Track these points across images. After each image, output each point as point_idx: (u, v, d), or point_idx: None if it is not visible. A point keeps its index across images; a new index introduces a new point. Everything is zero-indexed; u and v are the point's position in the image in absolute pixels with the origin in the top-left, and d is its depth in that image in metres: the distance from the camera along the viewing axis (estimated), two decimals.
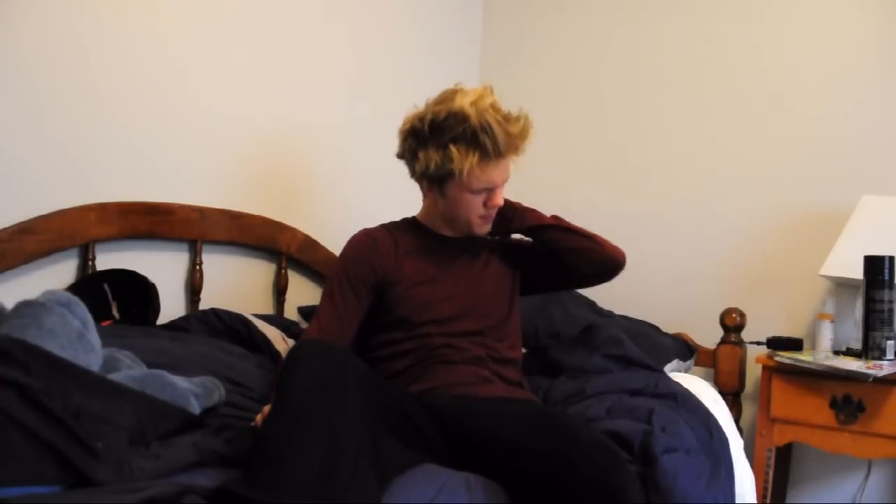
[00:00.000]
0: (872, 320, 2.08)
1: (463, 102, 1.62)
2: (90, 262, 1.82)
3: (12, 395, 1.02)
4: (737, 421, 2.24)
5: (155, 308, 1.89)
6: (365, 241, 1.76)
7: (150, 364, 1.42)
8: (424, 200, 1.82)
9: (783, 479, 2.44)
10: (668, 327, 2.48)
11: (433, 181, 1.69)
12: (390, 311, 1.70)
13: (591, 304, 2.50)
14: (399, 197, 1.97)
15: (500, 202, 1.71)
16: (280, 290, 2.30)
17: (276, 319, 2.11)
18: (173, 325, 1.89)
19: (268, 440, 1.16)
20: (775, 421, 2.18)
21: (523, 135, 1.65)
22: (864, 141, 2.42)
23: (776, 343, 2.28)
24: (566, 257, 1.78)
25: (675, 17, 2.75)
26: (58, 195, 1.78)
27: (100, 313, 1.71)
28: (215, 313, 1.94)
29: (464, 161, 1.61)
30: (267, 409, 1.33)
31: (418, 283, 1.71)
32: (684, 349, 2.42)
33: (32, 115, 1.74)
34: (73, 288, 1.75)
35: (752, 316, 2.42)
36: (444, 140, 1.62)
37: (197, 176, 2.09)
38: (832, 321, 2.28)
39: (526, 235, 1.82)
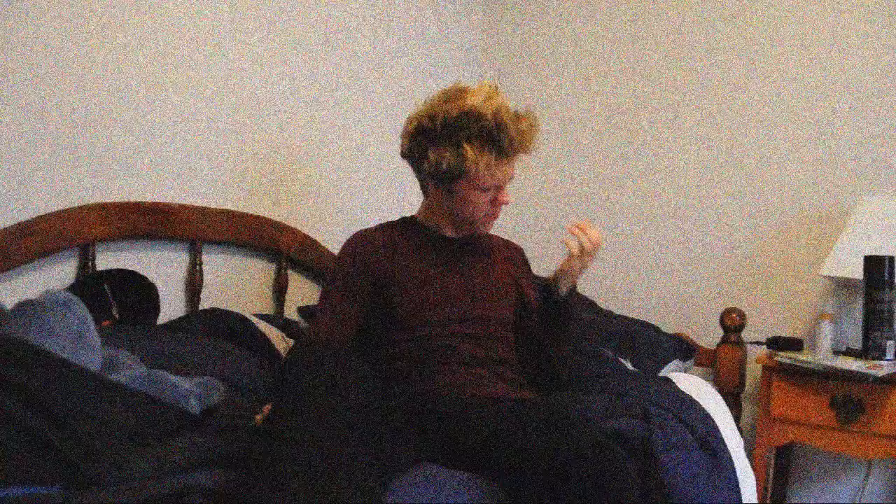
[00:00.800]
0: (872, 320, 2.08)
1: (475, 101, 1.63)
2: (90, 262, 1.82)
3: (12, 395, 1.02)
4: (737, 421, 2.23)
5: (155, 308, 1.89)
6: (362, 242, 1.76)
7: (150, 364, 1.42)
8: (426, 199, 1.82)
9: (783, 479, 2.44)
10: (668, 327, 2.49)
11: (442, 180, 1.69)
12: (389, 311, 1.70)
13: (592, 304, 2.50)
14: (399, 197, 1.97)
15: (507, 201, 1.72)
16: (280, 290, 2.30)
17: (276, 319, 2.11)
18: (173, 325, 1.89)
19: (268, 440, 1.16)
20: (775, 421, 2.18)
21: (533, 133, 1.67)
22: (864, 141, 2.42)
23: (776, 343, 2.28)
24: (543, 321, 1.78)
25: (675, 18, 2.75)
26: (58, 195, 1.78)
27: (100, 313, 1.71)
28: (215, 313, 1.94)
29: (479, 159, 1.61)
30: (267, 408, 1.33)
31: (417, 284, 1.70)
32: (684, 349, 2.42)
33: (33, 116, 1.74)
34: (73, 288, 1.75)
35: (752, 316, 2.42)
36: (458, 138, 1.62)
37: (197, 176, 2.09)
38: (832, 321, 2.28)
39: (545, 290, 1.80)
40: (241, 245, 2.21)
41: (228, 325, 1.91)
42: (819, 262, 2.28)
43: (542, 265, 2.01)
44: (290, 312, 2.31)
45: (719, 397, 2.13)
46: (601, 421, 1.64)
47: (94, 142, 1.86)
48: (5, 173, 1.70)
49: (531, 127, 1.66)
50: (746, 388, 2.44)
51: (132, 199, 1.92)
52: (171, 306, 2.00)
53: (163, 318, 1.92)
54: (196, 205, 2.06)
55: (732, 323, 2.39)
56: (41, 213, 1.74)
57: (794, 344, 2.27)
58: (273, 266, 2.31)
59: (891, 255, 2.08)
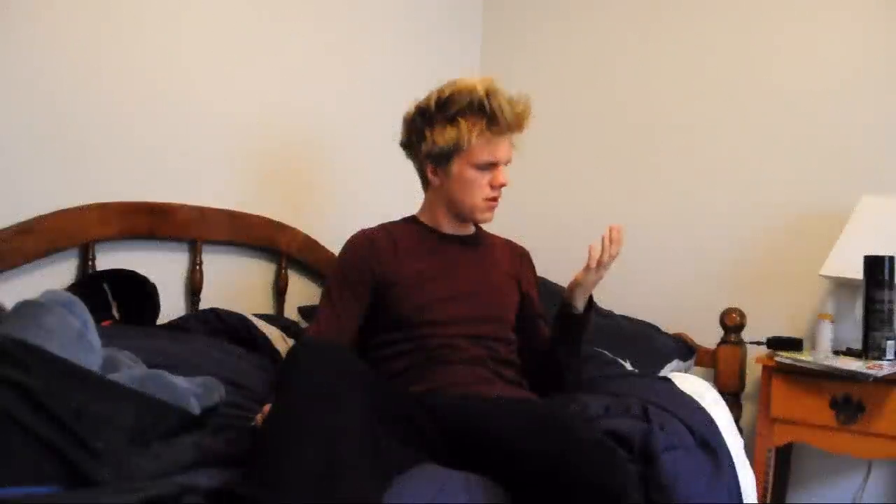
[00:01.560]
0: (872, 320, 2.08)
1: (468, 81, 1.70)
2: (90, 262, 1.82)
3: (12, 395, 1.02)
4: (737, 421, 2.23)
5: (155, 308, 1.89)
6: (362, 242, 1.76)
7: (150, 364, 1.42)
8: (426, 197, 1.82)
9: (783, 479, 2.44)
10: (668, 327, 2.48)
11: (439, 159, 1.72)
12: (390, 311, 1.70)
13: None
14: (399, 197, 1.97)
15: (505, 181, 1.73)
16: (280, 290, 2.30)
17: (276, 319, 2.11)
18: (173, 325, 1.89)
19: (268, 440, 1.16)
20: (775, 421, 2.18)
21: (526, 113, 1.72)
22: (864, 141, 2.42)
23: (776, 343, 2.28)
24: (558, 334, 1.78)
25: (675, 17, 2.75)
26: (58, 195, 1.78)
27: (100, 313, 1.71)
28: (215, 313, 1.94)
29: (472, 130, 1.66)
30: (267, 408, 1.33)
31: (418, 283, 1.70)
32: (684, 349, 2.42)
33: (33, 115, 1.74)
34: (73, 288, 1.75)
35: (752, 316, 2.42)
36: (452, 113, 1.68)
37: (197, 176, 2.09)
38: (832, 321, 2.28)
39: (562, 305, 1.77)
40: (241, 245, 2.21)
41: (228, 325, 1.91)
42: (819, 262, 2.28)
43: (542, 265, 2.00)
44: (290, 312, 2.31)
45: (719, 397, 2.12)
46: (601, 421, 1.64)
47: (94, 142, 1.86)
48: (5, 173, 1.70)
49: (525, 108, 1.71)
50: (746, 388, 2.44)
51: (132, 199, 1.92)
52: (171, 306, 2.00)
53: (163, 318, 1.92)
54: (196, 205, 2.06)
55: (732, 323, 2.39)
56: (41, 213, 1.74)
57: (794, 344, 2.27)
58: (273, 266, 2.31)
59: (891, 255, 2.08)
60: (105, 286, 1.81)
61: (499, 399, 1.59)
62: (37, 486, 1.00)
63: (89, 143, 1.85)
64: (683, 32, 2.74)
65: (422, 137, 1.72)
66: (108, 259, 1.87)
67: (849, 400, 2.05)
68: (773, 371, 2.18)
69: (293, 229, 2.32)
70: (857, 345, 2.15)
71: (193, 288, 2.06)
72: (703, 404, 1.88)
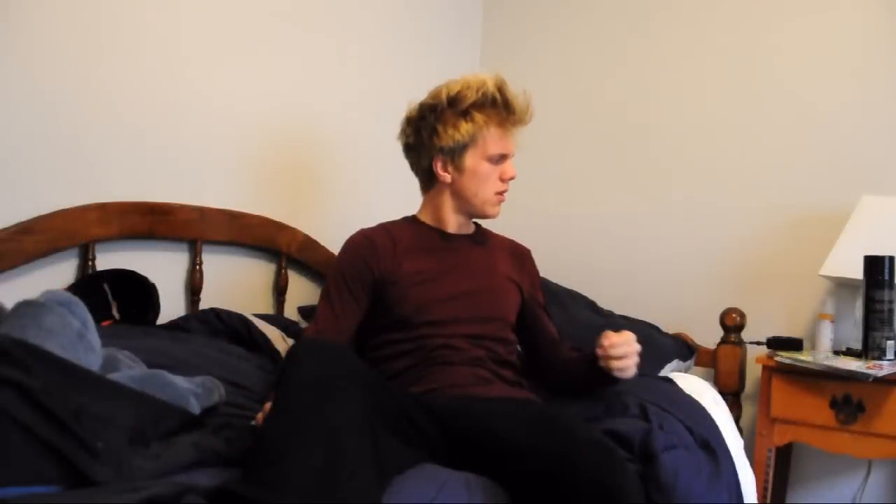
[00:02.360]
0: (872, 320, 2.08)
1: (475, 76, 1.74)
2: (90, 262, 1.82)
3: (12, 395, 1.02)
4: (737, 421, 2.23)
5: (155, 308, 1.89)
6: (362, 242, 1.76)
7: (150, 364, 1.42)
8: (427, 197, 1.82)
9: (783, 479, 2.44)
10: (668, 327, 2.48)
11: (452, 155, 1.72)
12: (389, 311, 1.70)
13: (592, 305, 2.50)
14: (399, 197, 1.97)
15: (514, 174, 1.76)
16: (280, 290, 2.30)
17: (276, 319, 2.11)
18: (173, 325, 1.89)
19: (268, 439, 1.16)
20: (775, 421, 2.18)
21: (530, 108, 1.76)
22: (864, 141, 2.42)
23: (776, 343, 2.28)
24: (580, 375, 1.74)
25: (675, 17, 2.75)
26: (58, 195, 1.78)
27: (100, 313, 1.71)
28: (215, 313, 1.94)
29: (489, 121, 1.70)
30: (267, 407, 1.33)
31: (417, 283, 1.70)
32: (684, 349, 2.42)
33: (33, 115, 1.74)
34: (73, 288, 1.75)
35: (752, 316, 2.42)
36: (465, 107, 1.70)
37: (197, 176, 2.09)
38: (832, 321, 2.28)
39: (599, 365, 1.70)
40: (240, 245, 2.21)
41: (228, 325, 1.91)
42: (819, 262, 2.28)
43: (542, 265, 2.00)
44: (290, 312, 2.31)
45: (719, 397, 2.13)
46: (601, 421, 1.64)
47: (93, 142, 1.86)
48: (6, 173, 1.70)
49: (528, 103, 1.75)
50: (746, 388, 2.44)
51: (132, 199, 1.92)
52: (171, 306, 2.00)
53: (163, 318, 1.92)
54: (196, 205, 2.06)
55: (732, 323, 2.39)
56: (41, 213, 1.74)
57: (794, 344, 2.27)
58: (273, 266, 2.31)
59: (891, 255, 2.08)
60: (105, 286, 1.81)
61: (498, 399, 1.59)
62: (37, 486, 1.00)
63: (89, 143, 1.85)
64: (684, 33, 2.73)
65: (433, 133, 1.73)
66: (108, 259, 1.87)
67: (849, 400, 2.05)
68: (773, 371, 2.18)
69: (293, 229, 2.32)
70: (857, 345, 2.15)
71: (193, 288, 2.06)
72: (703, 404, 1.89)
